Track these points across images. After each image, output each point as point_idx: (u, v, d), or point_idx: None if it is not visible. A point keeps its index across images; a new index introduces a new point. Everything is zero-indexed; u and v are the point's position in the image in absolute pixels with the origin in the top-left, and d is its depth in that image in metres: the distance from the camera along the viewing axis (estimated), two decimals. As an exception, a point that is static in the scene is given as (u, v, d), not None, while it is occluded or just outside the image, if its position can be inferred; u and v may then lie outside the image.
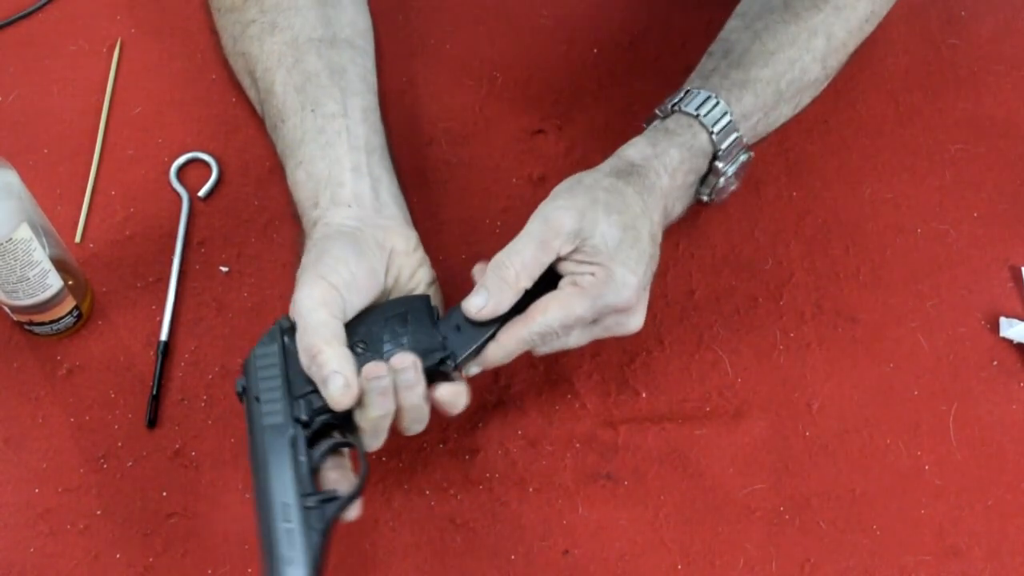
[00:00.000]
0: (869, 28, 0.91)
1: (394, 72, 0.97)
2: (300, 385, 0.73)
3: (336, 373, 0.71)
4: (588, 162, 0.94)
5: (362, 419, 0.73)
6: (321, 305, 0.73)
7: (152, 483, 0.81)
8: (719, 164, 0.83)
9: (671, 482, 0.81)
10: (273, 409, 0.73)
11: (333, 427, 0.74)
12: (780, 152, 0.94)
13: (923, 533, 0.79)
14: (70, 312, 0.84)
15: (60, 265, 0.82)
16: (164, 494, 0.80)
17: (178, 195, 0.92)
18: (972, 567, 0.78)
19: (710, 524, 0.80)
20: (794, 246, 0.90)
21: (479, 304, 0.74)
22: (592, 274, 0.75)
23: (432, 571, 0.78)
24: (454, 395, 0.75)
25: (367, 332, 0.75)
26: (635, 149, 0.82)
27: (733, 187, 0.86)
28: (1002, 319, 0.87)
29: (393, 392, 0.73)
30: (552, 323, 0.75)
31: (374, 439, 0.74)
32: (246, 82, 0.92)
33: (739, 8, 0.91)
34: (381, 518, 0.80)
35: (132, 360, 0.85)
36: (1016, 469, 0.82)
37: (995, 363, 0.86)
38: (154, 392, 0.83)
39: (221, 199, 0.92)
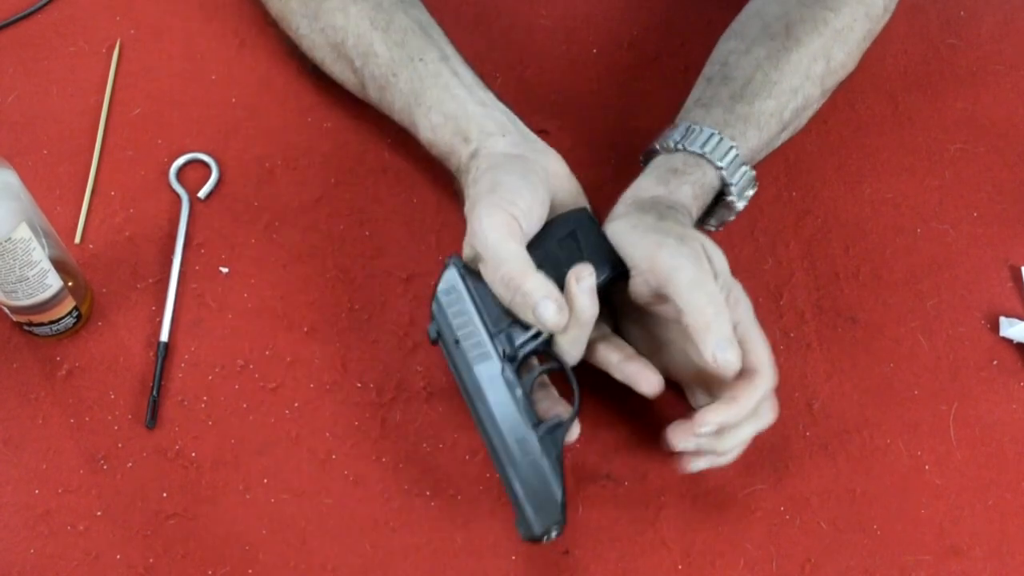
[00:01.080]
0: (866, 45, 0.91)
1: (394, 72, 0.97)
2: (496, 320, 0.75)
3: (547, 299, 0.72)
4: (588, 162, 0.94)
5: (570, 329, 0.74)
6: (508, 236, 0.74)
7: (152, 484, 0.81)
8: (732, 199, 0.83)
9: (671, 482, 0.81)
10: (479, 349, 0.75)
11: (533, 355, 0.76)
12: (779, 152, 0.93)
13: (923, 533, 0.79)
14: (70, 313, 0.84)
15: (60, 265, 0.82)
16: (164, 495, 0.80)
17: (178, 196, 0.92)
18: (972, 567, 0.78)
19: (710, 524, 0.80)
20: (794, 246, 0.90)
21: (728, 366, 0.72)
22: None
23: (432, 571, 0.78)
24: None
25: (545, 256, 0.76)
26: (646, 183, 0.81)
27: (733, 217, 0.87)
28: (1002, 319, 0.87)
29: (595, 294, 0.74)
30: (771, 360, 0.75)
31: (576, 351, 0.76)
32: (329, 57, 0.91)
33: (735, 27, 0.90)
34: (381, 518, 0.80)
35: (132, 361, 0.85)
36: (1016, 469, 0.82)
37: (995, 363, 0.86)
38: (154, 393, 0.83)
39: (221, 200, 0.92)
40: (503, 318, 0.75)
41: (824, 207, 0.92)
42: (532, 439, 0.74)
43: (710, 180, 0.82)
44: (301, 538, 0.79)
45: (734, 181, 0.82)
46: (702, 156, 0.81)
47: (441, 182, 0.93)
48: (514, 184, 0.76)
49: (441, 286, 0.76)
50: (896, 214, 0.92)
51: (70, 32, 1.00)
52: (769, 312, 0.87)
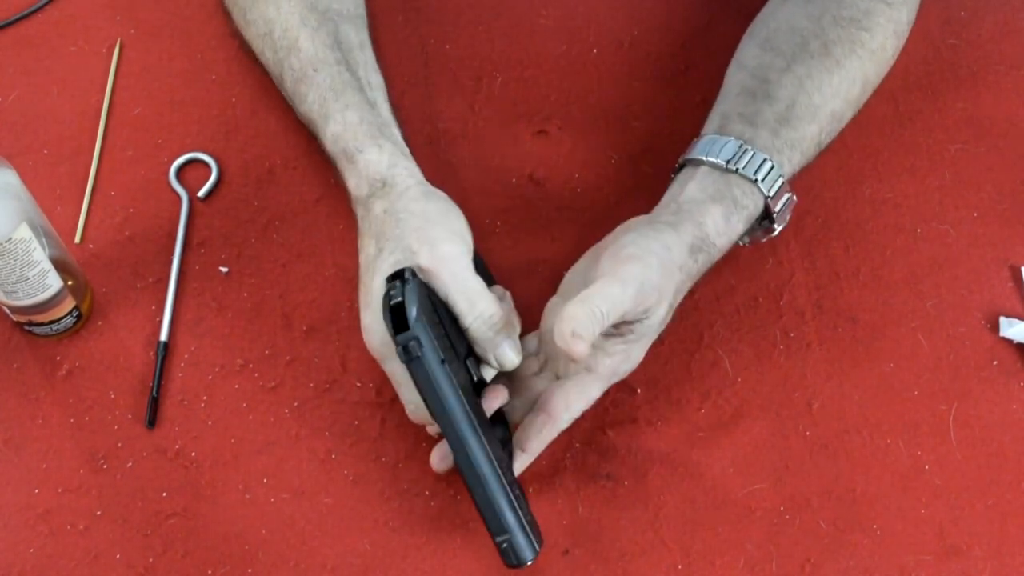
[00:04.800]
0: (893, 63, 0.91)
1: (394, 72, 0.97)
2: (459, 344, 0.75)
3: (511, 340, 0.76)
4: (588, 162, 0.94)
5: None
6: (473, 269, 0.77)
7: (152, 483, 0.81)
8: (775, 226, 0.83)
9: (671, 482, 0.81)
10: (459, 373, 0.73)
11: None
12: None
13: (923, 533, 0.79)
14: (70, 312, 0.84)
15: (60, 265, 0.82)
16: (164, 494, 0.81)
17: (178, 195, 0.92)
18: (972, 567, 0.78)
19: (710, 524, 0.80)
20: (794, 246, 0.90)
21: (582, 350, 0.70)
22: (611, 356, 0.77)
23: (432, 571, 0.78)
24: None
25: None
26: (712, 221, 0.79)
27: (766, 239, 0.86)
28: (1002, 319, 0.87)
29: None
30: (576, 413, 0.78)
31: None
32: (258, 46, 0.92)
33: (767, 36, 0.88)
34: (381, 518, 0.80)
35: (132, 360, 0.85)
36: (1016, 469, 0.82)
37: (995, 363, 0.86)
38: (154, 392, 0.83)
39: (221, 199, 0.92)
40: (464, 344, 0.76)
41: (824, 207, 0.92)
42: (504, 462, 0.74)
43: (757, 209, 0.81)
44: (301, 538, 0.79)
45: (777, 209, 0.82)
46: (754, 183, 0.80)
47: (437, 183, 0.93)
48: (458, 214, 0.80)
49: (415, 300, 0.69)
50: (896, 214, 0.92)
51: (70, 32, 1.00)
52: (769, 312, 0.88)
